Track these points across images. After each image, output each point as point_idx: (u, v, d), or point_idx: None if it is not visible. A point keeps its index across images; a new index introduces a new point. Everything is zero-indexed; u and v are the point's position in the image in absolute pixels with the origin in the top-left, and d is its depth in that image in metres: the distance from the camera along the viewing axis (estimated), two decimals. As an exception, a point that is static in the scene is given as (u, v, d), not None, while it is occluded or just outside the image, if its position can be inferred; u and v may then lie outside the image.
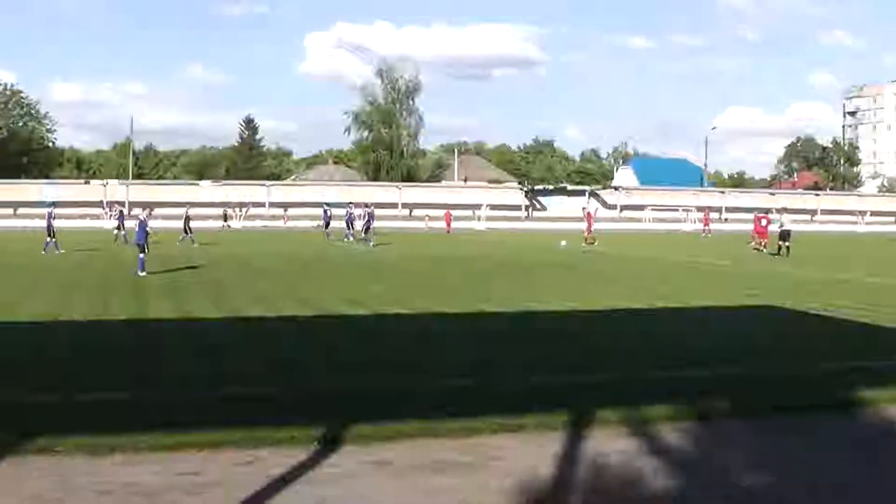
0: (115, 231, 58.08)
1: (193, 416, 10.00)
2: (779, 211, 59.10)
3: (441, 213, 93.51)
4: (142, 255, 29.99)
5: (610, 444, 9.28)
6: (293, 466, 8.30)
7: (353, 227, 59.74)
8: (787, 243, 45.14)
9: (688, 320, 20.39)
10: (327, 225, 62.26)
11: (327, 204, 68.17)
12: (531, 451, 8.99)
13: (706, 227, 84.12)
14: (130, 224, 42.93)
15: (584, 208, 76.94)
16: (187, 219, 54.96)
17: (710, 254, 47.50)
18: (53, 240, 43.96)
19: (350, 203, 66.64)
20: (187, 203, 56.37)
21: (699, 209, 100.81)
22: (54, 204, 57.55)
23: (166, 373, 13.00)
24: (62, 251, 42.88)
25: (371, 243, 53.96)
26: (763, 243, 49.28)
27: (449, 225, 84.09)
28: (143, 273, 28.99)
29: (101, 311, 19.99)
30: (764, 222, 50.98)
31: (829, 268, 37.26)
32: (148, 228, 31.44)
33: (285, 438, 9.10)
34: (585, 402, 10.96)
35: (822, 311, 20.89)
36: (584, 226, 59.82)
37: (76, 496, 7.53)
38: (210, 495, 7.60)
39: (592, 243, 55.44)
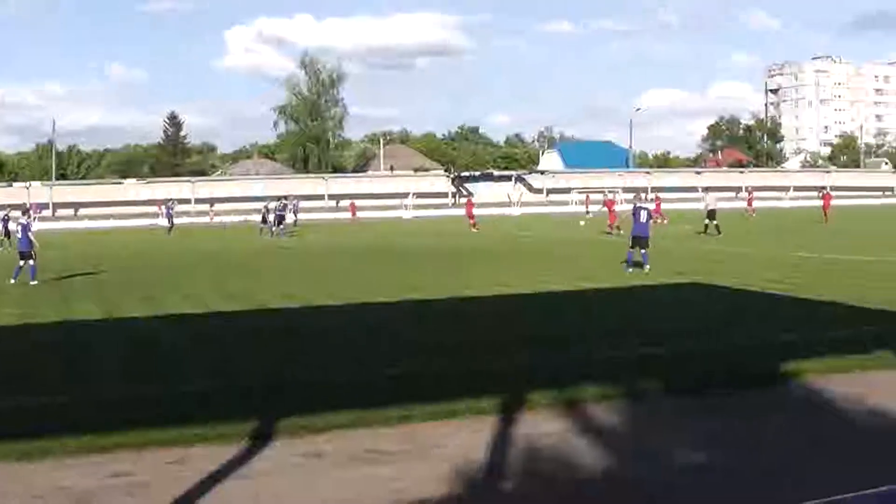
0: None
1: (124, 417, 9.89)
2: (704, 190, 59.60)
3: (369, 203, 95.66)
4: (31, 262, 27.18)
5: (543, 425, 9.36)
6: (225, 463, 8.25)
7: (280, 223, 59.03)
8: (714, 221, 45.39)
9: (617, 299, 20.55)
10: (277, 221, 60.47)
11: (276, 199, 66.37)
12: (465, 436, 9.03)
13: (587, 211, 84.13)
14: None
15: (467, 197, 77.25)
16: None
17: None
18: None
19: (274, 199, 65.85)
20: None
21: (580, 191, 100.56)
22: None
23: (94, 374, 12.90)
24: None
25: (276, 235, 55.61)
26: (614, 225, 47.64)
27: (354, 214, 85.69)
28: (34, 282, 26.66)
29: (27, 313, 19.77)
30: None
31: (753, 244, 37.78)
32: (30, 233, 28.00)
33: (216, 435, 9.04)
34: (516, 385, 11.01)
35: (750, 286, 21.15)
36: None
37: (5, 502, 7.46)
38: (143, 496, 7.53)
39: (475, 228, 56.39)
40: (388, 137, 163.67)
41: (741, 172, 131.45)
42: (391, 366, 12.75)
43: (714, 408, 10.11)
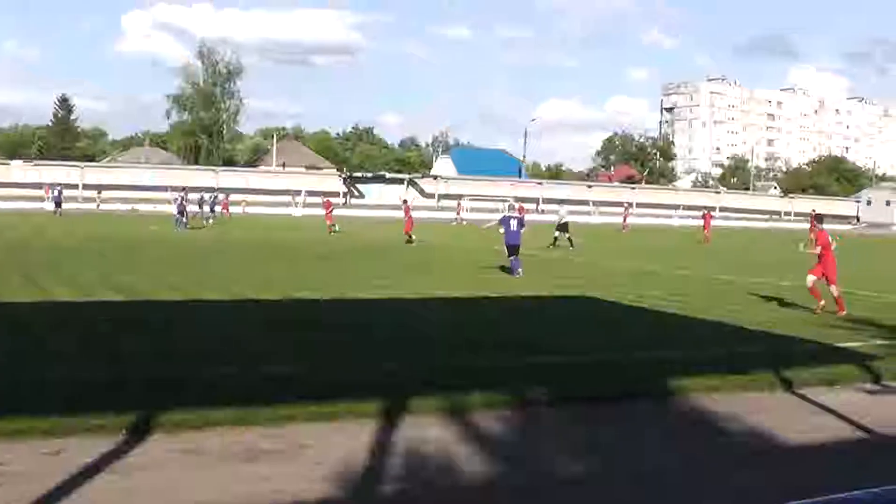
0: None
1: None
2: (560, 203, 60.45)
3: (260, 199, 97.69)
4: None
5: (426, 431, 9.34)
6: (100, 456, 8.05)
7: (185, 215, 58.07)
8: (567, 234, 46.10)
9: (504, 309, 20.70)
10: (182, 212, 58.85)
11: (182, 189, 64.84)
12: (344, 438, 8.96)
13: (458, 216, 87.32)
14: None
15: (324, 199, 76.71)
16: None
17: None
18: None
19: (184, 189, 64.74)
20: None
21: (471, 198, 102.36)
22: None
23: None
24: None
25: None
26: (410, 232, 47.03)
27: (226, 209, 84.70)
28: None
29: None
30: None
31: (637, 259, 38.40)
32: None
33: (94, 427, 8.82)
34: (400, 390, 10.98)
35: (634, 302, 21.49)
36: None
37: None
38: (13, 485, 7.32)
39: (334, 231, 55.18)
40: (281, 133, 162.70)
41: (632, 188, 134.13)
42: (275, 365, 12.65)
43: (597, 420, 10.23)
